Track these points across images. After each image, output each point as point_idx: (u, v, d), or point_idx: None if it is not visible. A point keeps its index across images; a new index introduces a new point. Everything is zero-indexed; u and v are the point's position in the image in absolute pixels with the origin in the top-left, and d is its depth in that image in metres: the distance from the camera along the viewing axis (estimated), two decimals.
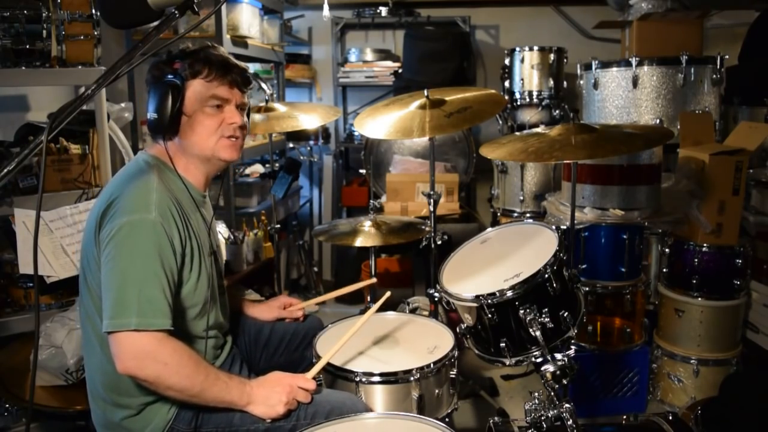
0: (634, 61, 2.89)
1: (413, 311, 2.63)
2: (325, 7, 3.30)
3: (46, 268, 2.07)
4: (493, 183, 3.66)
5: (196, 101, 1.49)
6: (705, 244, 2.57)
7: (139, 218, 1.35)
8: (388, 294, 1.73)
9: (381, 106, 2.39)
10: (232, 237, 2.81)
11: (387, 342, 1.78)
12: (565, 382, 1.51)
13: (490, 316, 1.56)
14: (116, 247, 1.34)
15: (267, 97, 3.35)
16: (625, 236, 2.54)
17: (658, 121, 2.90)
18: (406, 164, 3.63)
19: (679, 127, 2.81)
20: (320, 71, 4.58)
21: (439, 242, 2.42)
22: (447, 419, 1.63)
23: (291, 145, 4.21)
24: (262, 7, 3.68)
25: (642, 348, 2.65)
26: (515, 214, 3.48)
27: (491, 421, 1.74)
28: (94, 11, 2.28)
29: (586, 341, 2.62)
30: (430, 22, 4.14)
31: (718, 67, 2.85)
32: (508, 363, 1.60)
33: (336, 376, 1.59)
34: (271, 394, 1.43)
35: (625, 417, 1.78)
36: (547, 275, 1.53)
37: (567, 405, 1.53)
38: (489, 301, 1.54)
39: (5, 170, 1.02)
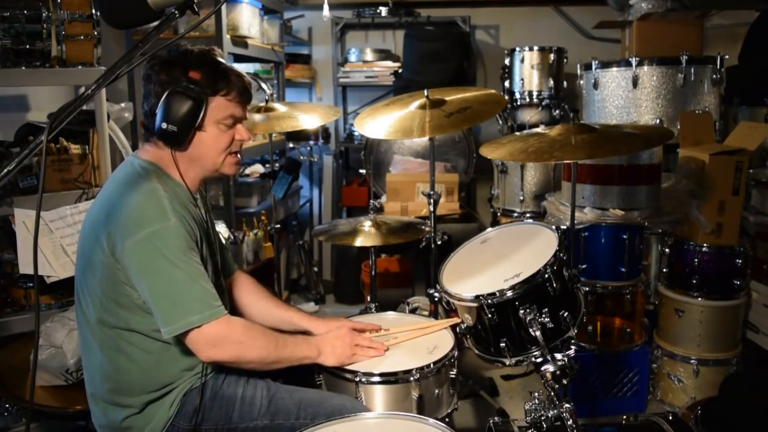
0: (634, 61, 2.89)
1: (413, 311, 2.63)
2: (325, 7, 3.30)
3: (46, 268, 2.07)
4: (493, 183, 3.66)
5: (213, 118, 1.48)
6: (705, 244, 2.57)
7: (161, 227, 1.38)
8: (458, 320, 1.70)
9: (381, 106, 2.39)
10: (232, 237, 2.81)
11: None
12: (565, 382, 1.51)
13: (490, 316, 1.56)
14: (150, 260, 1.36)
15: (267, 97, 3.34)
16: (625, 236, 2.54)
17: (658, 121, 2.90)
18: (406, 164, 3.63)
19: (679, 127, 2.81)
20: (320, 71, 4.57)
21: (439, 242, 2.42)
22: (447, 419, 1.63)
23: (291, 145, 4.20)
24: (262, 7, 3.68)
25: (642, 348, 2.65)
26: (515, 214, 3.47)
27: (491, 421, 1.73)
28: (94, 11, 2.28)
29: (586, 341, 2.62)
30: (430, 22, 4.13)
31: (718, 67, 2.85)
32: (508, 363, 1.59)
33: (336, 376, 1.59)
34: (336, 343, 1.57)
35: (625, 417, 1.77)
36: (547, 275, 1.53)
37: (567, 405, 1.52)
38: (489, 301, 1.54)
39: (5, 170, 1.02)
